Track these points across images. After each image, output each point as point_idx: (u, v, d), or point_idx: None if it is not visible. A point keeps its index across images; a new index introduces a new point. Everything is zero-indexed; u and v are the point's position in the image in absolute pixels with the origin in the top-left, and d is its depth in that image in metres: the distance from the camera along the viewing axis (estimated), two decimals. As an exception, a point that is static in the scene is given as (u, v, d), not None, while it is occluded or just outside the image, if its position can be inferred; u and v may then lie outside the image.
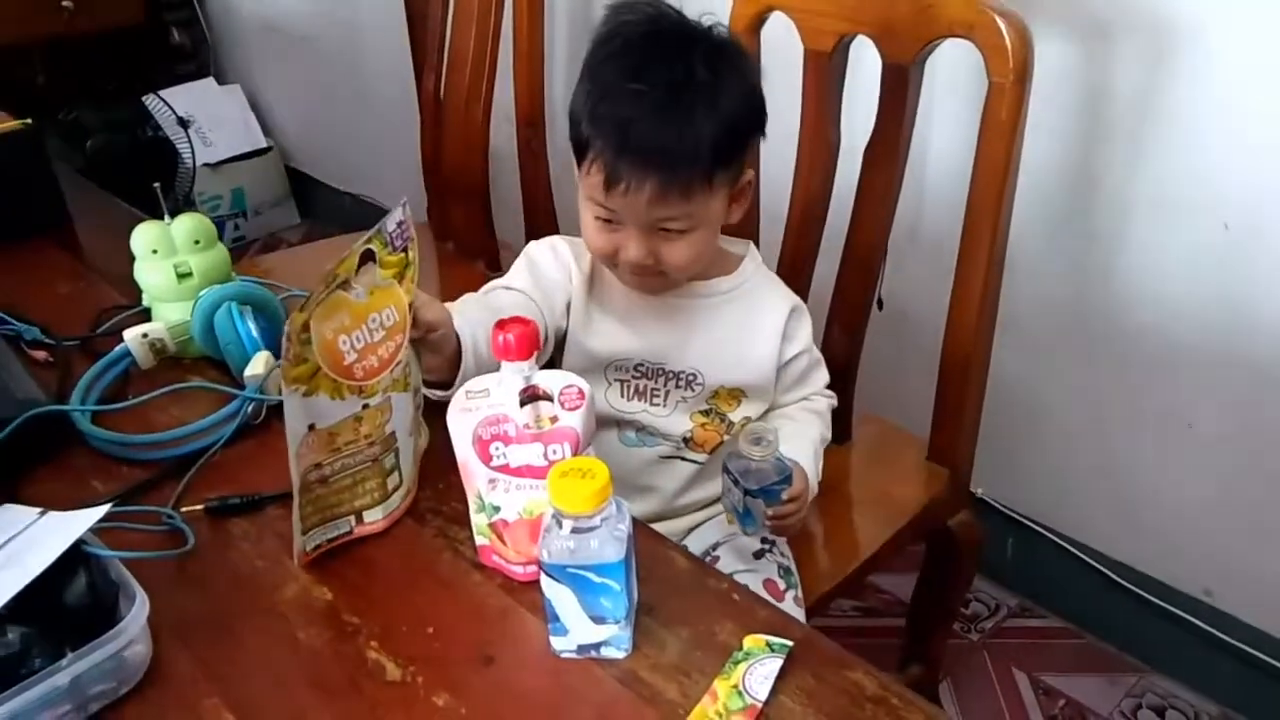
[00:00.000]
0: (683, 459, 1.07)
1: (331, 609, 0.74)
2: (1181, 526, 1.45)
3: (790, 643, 0.67)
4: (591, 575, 0.64)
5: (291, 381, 0.70)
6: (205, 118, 2.78)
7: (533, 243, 1.06)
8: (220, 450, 0.89)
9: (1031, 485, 1.61)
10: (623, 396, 1.04)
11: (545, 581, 0.66)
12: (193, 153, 2.69)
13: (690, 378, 1.03)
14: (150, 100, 2.71)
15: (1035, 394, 1.53)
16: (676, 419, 1.04)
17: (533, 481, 0.71)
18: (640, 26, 0.91)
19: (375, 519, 0.80)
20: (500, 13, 1.57)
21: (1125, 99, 1.30)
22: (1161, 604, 1.49)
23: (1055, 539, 1.59)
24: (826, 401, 1.12)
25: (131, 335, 0.99)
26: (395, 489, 0.81)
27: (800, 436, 1.04)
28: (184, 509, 0.83)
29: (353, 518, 0.79)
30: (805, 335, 1.07)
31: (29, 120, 1.26)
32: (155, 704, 0.67)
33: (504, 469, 0.71)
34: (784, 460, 0.93)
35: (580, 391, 0.70)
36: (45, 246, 1.27)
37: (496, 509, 0.73)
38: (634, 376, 1.03)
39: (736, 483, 0.93)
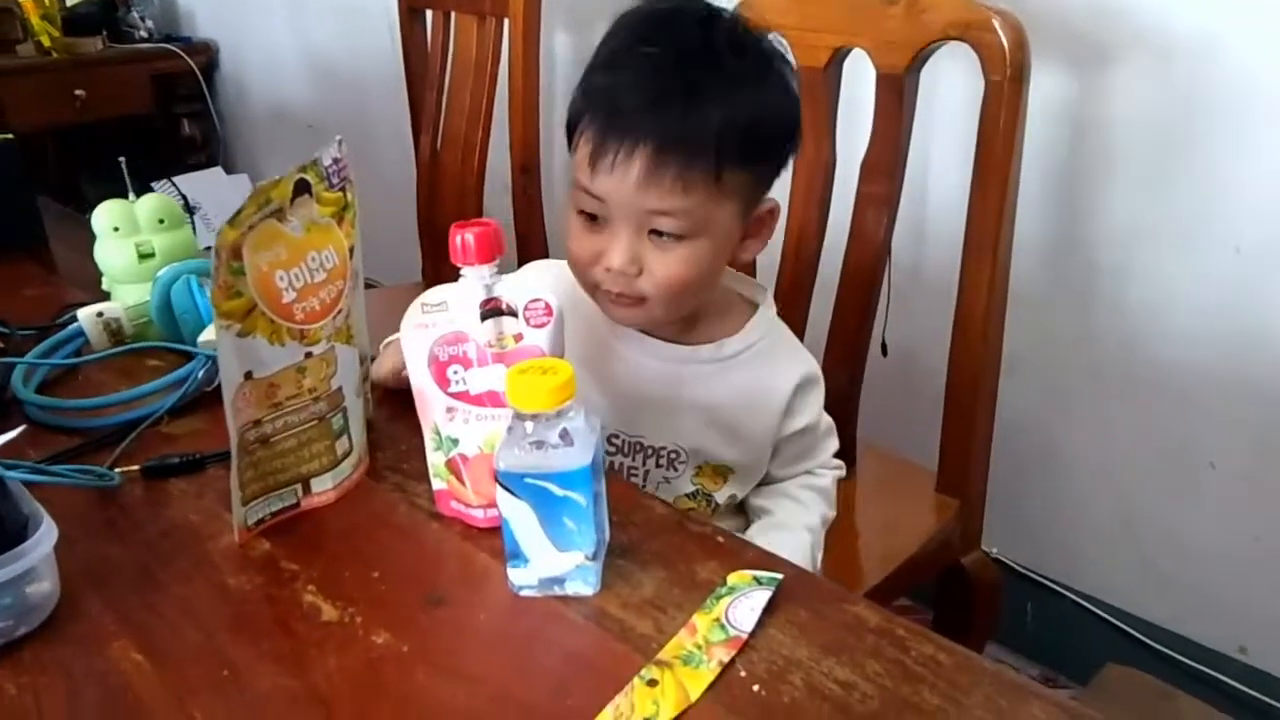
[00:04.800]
0: None
1: (269, 558, 0.66)
2: (1211, 578, 1.35)
3: (780, 575, 0.59)
4: (554, 487, 0.57)
5: (224, 316, 0.62)
6: (211, 204, 2.80)
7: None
8: (169, 420, 0.82)
9: (1048, 541, 1.51)
10: None
11: (502, 498, 0.58)
12: (195, 235, 2.70)
13: (673, 455, 0.88)
14: (160, 185, 2.74)
15: (1046, 440, 1.46)
16: None
17: (494, 411, 0.64)
18: (666, 3, 0.80)
19: (324, 488, 0.72)
20: (496, 64, 1.58)
21: (1125, 125, 1.27)
22: (1194, 665, 1.37)
23: (1076, 599, 1.49)
24: (832, 475, 0.97)
25: (86, 314, 0.93)
26: (345, 455, 0.73)
27: (796, 527, 0.91)
28: (120, 469, 0.76)
29: (299, 487, 0.71)
30: (813, 409, 0.91)
31: (10, 135, 1.23)
32: (55, 644, 0.59)
33: (463, 396, 0.65)
34: None
35: (548, 306, 0.64)
36: (18, 259, 1.23)
37: (455, 442, 0.66)
38: (608, 453, 0.88)
39: None
